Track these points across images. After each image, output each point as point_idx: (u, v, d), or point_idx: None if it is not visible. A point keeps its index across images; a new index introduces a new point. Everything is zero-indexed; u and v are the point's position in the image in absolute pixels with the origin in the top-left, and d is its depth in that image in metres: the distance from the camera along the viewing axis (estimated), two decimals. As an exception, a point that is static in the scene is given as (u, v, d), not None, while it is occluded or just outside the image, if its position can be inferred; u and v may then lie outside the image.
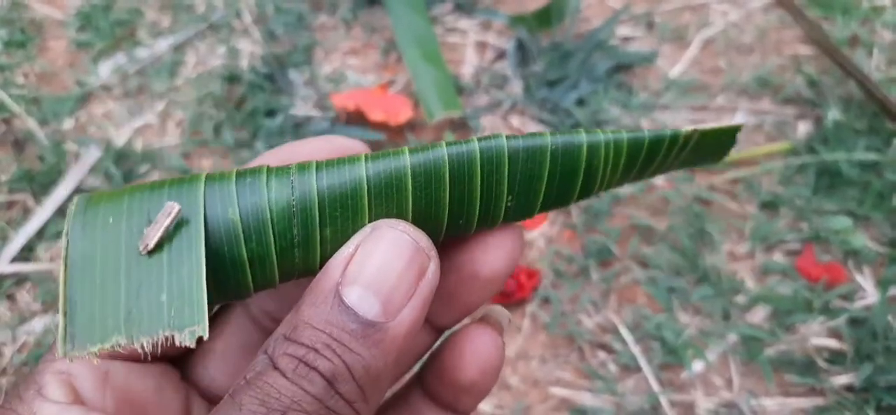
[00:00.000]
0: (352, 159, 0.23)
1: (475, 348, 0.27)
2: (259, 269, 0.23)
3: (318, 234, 0.23)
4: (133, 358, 0.25)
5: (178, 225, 0.22)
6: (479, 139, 0.23)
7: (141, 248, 0.22)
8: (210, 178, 0.23)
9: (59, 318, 0.21)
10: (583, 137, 0.24)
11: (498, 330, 0.28)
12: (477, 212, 0.24)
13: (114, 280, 0.21)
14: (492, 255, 0.26)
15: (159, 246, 0.22)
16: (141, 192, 0.23)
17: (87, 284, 0.21)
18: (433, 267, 0.23)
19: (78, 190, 0.91)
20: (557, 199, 0.25)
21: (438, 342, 0.29)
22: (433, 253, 0.23)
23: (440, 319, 0.28)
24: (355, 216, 0.23)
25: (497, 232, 0.26)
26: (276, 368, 0.21)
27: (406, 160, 0.23)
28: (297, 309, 0.22)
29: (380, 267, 0.22)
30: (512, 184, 0.24)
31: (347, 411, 0.22)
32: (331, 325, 0.21)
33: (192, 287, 0.21)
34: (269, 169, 0.23)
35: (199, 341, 0.21)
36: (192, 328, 0.21)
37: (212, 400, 0.28)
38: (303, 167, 0.23)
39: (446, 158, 0.23)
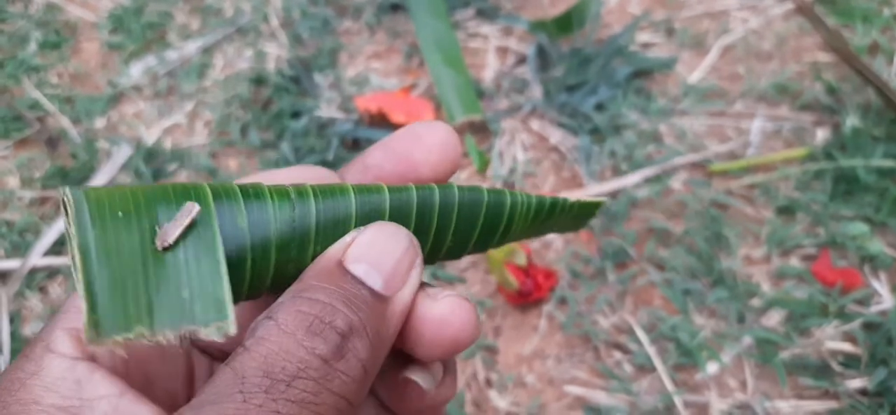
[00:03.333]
0: (343, 188, 0.25)
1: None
2: (256, 280, 0.24)
3: (311, 252, 0.24)
4: None
5: (195, 225, 0.22)
6: (439, 187, 0.26)
7: (158, 244, 0.22)
8: (215, 189, 0.24)
9: (82, 305, 0.21)
10: (507, 197, 0.28)
11: (420, 393, 0.27)
12: (428, 246, 0.27)
13: (132, 273, 0.21)
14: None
15: (176, 244, 0.22)
16: (145, 191, 0.23)
17: (105, 274, 0.21)
18: (419, 260, 0.25)
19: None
20: (481, 244, 0.28)
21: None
22: (419, 251, 0.25)
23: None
24: (338, 238, 0.25)
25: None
26: (282, 330, 0.21)
27: (386, 197, 0.25)
28: (300, 281, 0.23)
29: (382, 249, 0.24)
30: (456, 228, 0.27)
31: (357, 369, 0.22)
32: (343, 287, 0.22)
33: (214, 284, 0.22)
34: (270, 188, 0.24)
35: (226, 336, 0.21)
36: (218, 324, 0.21)
37: (214, 355, 0.28)
38: (301, 192, 0.24)
39: (415, 200, 0.26)
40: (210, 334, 0.21)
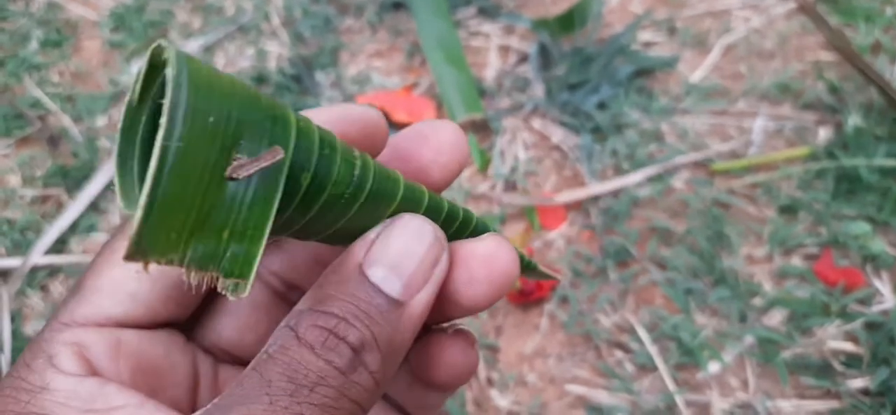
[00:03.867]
0: (395, 177, 0.25)
1: (448, 359, 0.28)
2: (283, 226, 0.23)
3: (343, 220, 0.24)
4: (144, 325, 0.25)
5: (266, 169, 0.20)
6: (463, 209, 0.27)
7: (228, 171, 0.20)
8: (299, 128, 0.22)
9: (138, 212, 0.18)
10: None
11: (470, 341, 0.28)
12: None
13: (194, 191, 0.19)
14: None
15: (243, 180, 0.20)
16: (242, 98, 0.20)
17: (171, 184, 0.18)
18: (445, 256, 0.25)
19: (110, 186, 0.93)
20: None
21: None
22: (445, 244, 0.25)
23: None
24: (375, 220, 0.25)
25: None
26: (301, 342, 0.22)
27: (425, 198, 0.26)
28: (319, 286, 0.23)
29: (402, 250, 0.23)
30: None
31: (369, 381, 0.22)
32: (358, 298, 0.23)
33: (253, 238, 0.20)
34: (343, 147, 0.23)
35: (237, 297, 0.20)
36: (236, 280, 0.20)
37: (217, 356, 0.28)
38: (366, 164, 0.24)
39: (446, 208, 0.26)
40: (227, 289, 0.20)
